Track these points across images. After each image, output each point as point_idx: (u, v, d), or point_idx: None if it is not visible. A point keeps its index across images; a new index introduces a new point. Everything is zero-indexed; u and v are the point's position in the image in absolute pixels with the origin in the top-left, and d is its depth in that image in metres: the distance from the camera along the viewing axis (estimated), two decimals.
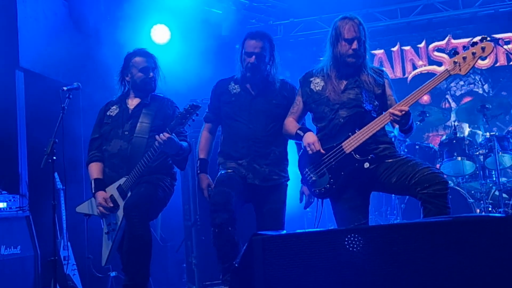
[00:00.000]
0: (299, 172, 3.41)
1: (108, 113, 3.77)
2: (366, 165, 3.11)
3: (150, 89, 3.75)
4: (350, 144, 3.14)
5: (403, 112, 2.98)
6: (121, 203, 3.52)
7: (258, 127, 3.55)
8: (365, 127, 3.12)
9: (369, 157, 3.12)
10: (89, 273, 4.95)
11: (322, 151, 3.18)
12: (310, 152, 3.19)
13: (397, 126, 3.17)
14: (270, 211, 3.55)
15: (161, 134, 3.37)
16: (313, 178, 3.26)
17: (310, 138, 3.23)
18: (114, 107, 3.79)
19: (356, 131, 3.14)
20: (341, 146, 3.16)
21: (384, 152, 3.19)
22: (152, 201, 3.47)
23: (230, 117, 3.63)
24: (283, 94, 3.63)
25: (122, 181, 3.55)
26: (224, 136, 3.70)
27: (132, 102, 3.77)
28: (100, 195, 3.59)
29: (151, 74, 3.71)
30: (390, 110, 3.04)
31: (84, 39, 5.72)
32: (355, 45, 3.21)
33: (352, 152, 3.13)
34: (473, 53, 2.99)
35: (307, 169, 3.31)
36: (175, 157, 3.62)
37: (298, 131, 3.34)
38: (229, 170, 3.52)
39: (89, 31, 5.84)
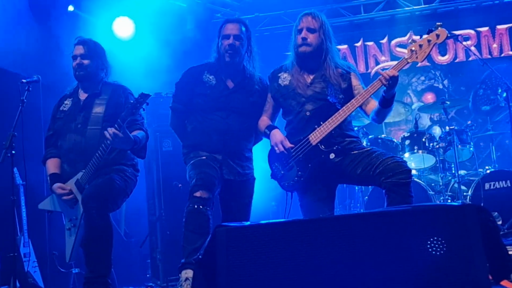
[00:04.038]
0: (267, 167, 3.42)
1: (61, 108, 3.69)
2: (332, 155, 3.17)
3: (81, 77, 3.62)
4: (316, 136, 3.19)
5: (394, 75, 2.98)
6: (80, 198, 3.45)
7: (234, 122, 3.48)
8: (329, 119, 3.17)
9: (335, 148, 3.18)
10: (51, 270, 4.85)
11: (289, 145, 3.22)
12: (277, 151, 3.25)
13: (373, 109, 3.20)
14: (238, 205, 3.54)
15: (108, 129, 3.22)
16: (282, 172, 3.31)
17: (277, 137, 3.29)
18: (67, 101, 3.71)
19: (322, 123, 3.19)
20: (308, 139, 3.21)
21: (350, 145, 3.25)
22: (111, 190, 3.38)
23: (205, 110, 3.50)
24: (260, 92, 3.57)
25: (79, 175, 3.46)
26: (195, 127, 3.53)
27: (83, 94, 3.68)
28: (57, 186, 3.50)
29: (78, 60, 3.60)
30: (381, 76, 3.01)
31: (45, 31, 5.58)
32: (304, 33, 3.30)
33: (318, 144, 3.18)
34: (429, 40, 3.09)
35: (276, 164, 3.35)
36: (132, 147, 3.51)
37: (265, 130, 3.40)
38: (203, 157, 3.41)
39: (50, 23, 5.71)
